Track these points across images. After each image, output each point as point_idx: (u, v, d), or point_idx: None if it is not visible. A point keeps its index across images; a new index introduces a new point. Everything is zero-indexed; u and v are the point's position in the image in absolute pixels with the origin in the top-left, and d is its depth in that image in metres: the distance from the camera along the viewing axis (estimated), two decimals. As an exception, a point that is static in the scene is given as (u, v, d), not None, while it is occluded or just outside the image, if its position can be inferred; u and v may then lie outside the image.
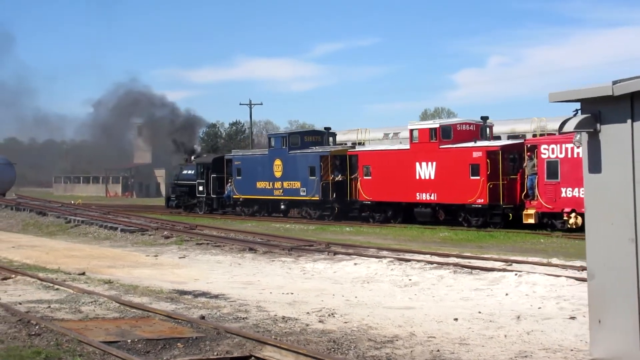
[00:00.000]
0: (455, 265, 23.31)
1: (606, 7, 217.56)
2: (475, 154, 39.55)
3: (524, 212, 37.71)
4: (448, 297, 19.29)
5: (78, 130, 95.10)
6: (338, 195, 46.91)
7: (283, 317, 16.46)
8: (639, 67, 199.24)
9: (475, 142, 40.16)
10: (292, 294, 20.18)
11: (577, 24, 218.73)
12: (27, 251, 32.45)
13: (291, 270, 25.35)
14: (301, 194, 49.04)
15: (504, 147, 39.64)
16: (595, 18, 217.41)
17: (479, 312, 16.77)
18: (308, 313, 17.08)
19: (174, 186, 62.11)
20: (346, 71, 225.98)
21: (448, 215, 41.36)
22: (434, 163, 41.16)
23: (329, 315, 16.78)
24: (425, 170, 41.58)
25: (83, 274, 24.41)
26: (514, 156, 39.66)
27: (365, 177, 44.79)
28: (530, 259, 24.96)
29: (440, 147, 40.88)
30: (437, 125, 41.66)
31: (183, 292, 20.51)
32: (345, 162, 46.87)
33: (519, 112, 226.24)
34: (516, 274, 20.88)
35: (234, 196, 53.89)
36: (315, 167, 47.86)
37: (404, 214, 43.37)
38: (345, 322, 15.94)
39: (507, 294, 19.08)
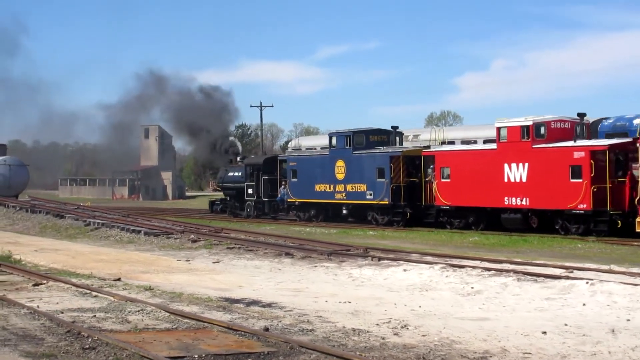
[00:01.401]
0: (515, 272, 21.98)
1: (611, 11, 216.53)
2: (577, 154, 35.48)
3: (637, 219, 33.21)
4: (520, 306, 18.02)
5: (86, 132, 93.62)
6: (410, 199, 43.17)
7: (353, 329, 15.21)
8: (634, 73, 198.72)
9: (575, 140, 36.08)
10: (349, 302, 18.91)
11: (581, 27, 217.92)
12: (51, 255, 31.20)
13: (338, 277, 24.07)
14: (367, 197, 44.98)
15: (611, 147, 35.22)
16: (600, 21, 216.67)
17: (565, 325, 15.51)
18: (377, 325, 15.82)
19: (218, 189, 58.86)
20: (350, 74, 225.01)
21: (542, 221, 37.38)
22: (526, 164, 37.17)
23: (402, 327, 15.53)
24: (516, 172, 37.60)
25: (119, 279, 23.16)
26: (619, 157, 35.56)
27: (443, 180, 40.93)
28: (588, 266, 23.67)
29: (534, 146, 36.85)
30: (530, 123, 37.17)
31: (233, 300, 19.26)
32: (418, 163, 43.20)
33: (521, 115, 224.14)
34: (587, 283, 19.61)
35: (289, 200, 50.10)
36: (385, 168, 43.66)
37: (488, 220, 39.46)
38: (424, 335, 14.69)
39: (584, 304, 17.83)
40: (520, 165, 37.42)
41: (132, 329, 15.63)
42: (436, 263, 24.63)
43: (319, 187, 48.00)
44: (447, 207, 40.83)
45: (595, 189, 34.71)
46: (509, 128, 37.98)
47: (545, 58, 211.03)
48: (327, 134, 61.53)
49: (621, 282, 19.37)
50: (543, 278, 21.00)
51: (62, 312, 17.35)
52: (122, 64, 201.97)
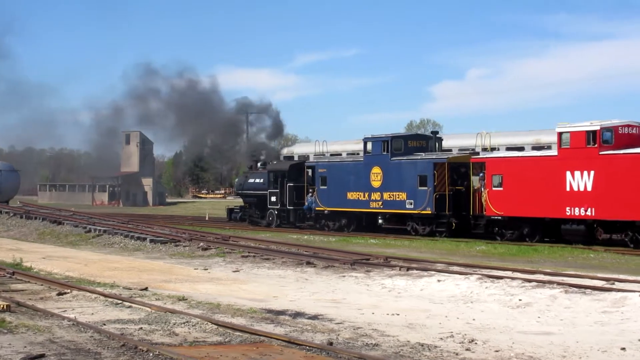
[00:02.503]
0: (559, 284, 21.40)
1: (587, 21, 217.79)
2: None
3: None
4: (579, 320, 17.44)
5: (70, 136, 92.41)
6: (455, 208, 41.06)
7: (420, 344, 14.59)
8: (620, 83, 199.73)
9: None
10: (397, 315, 18.29)
11: (557, 37, 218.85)
12: (61, 262, 30.38)
13: (370, 287, 23.44)
14: (407, 206, 42.42)
15: None
16: (577, 32, 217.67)
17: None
18: (442, 339, 15.22)
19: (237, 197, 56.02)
20: (328, 82, 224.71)
21: (609, 233, 35.01)
22: (592, 172, 34.79)
23: (469, 341, 14.92)
24: (580, 181, 35.16)
25: (146, 289, 22.44)
26: None
27: (494, 189, 38.45)
28: (621, 277, 23.12)
29: (601, 153, 34.56)
30: (597, 128, 34.71)
31: (276, 312, 18.59)
32: (464, 170, 41.17)
33: (501, 125, 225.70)
34: (641, 295, 19.02)
35: (317, 208, 47.36)
36: (428, 176, 41.31)
37: (545, 231, 37.21)
38: (497, 351, 14.09)
39: (646, 318, 17.24)
40: (585, 173, 35.14)
41: (183, 342, 14.96)
42: (469, 274, 24.01)
43: (352, 195, 45.57)
44: (499, 218, 38.41)
45: None
46: (573, 133, 35.60)
47: (521, 68, 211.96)
48: (320, 141, 60.74)
49: (678, 295, 18.83)
50: (591, 290, 20.41)
51: (105, 324, 16.63)
52: (103, 70, 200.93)
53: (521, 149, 47.92)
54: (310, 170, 48.91)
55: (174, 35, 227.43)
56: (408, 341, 14.91)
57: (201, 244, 35.81)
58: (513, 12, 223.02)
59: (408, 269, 26.00)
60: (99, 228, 43.18)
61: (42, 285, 23.54)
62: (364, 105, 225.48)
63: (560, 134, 36.05)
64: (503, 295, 20.76)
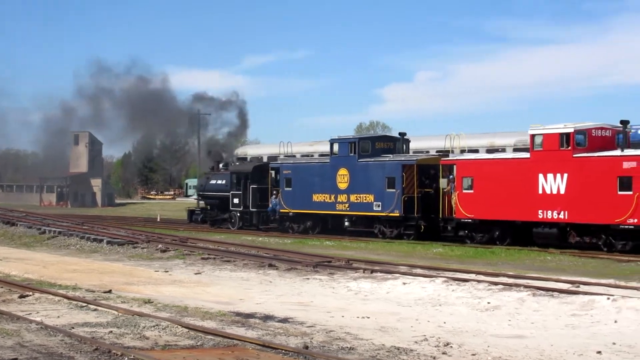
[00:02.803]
0: (526, 287, 21.47)
1: (533, 26, 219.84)
2: (627, 164, 32.18)
3: None
4: (549, 323, 17.50)
5: (13, 137, 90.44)
6: (424, 211, 40.03)
7: (397, 348, 14.53)
8: (562, 88, 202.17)
9: (622, 150, 32.99)
10: (368, 318, 18.25)
11: (506, 41, 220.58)
12: (18, 264, 29.97)
13: (336, 290, 23.36)
14: (375, 209, 41.53)
15: None
16: (524, 36, 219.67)
17: (614, 344, 15.02)
18: (416, 342, 15.19)
19: (198, 198, 55.09)
20: (276, 84, 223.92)
21: (582, 237, 34.15)
22: (565, 175, 33.90)
23: (444, 345, 14.90)
24: (553, 184, 34.23)
25: (109, 291, 22.19)
26: None
27: (465, 191, 37.50)
28: (587, 279, 23.22)
29: (575, 155, 33.68)
30: (570, 130, 33.89)
31: (245, 315, 18.47)
32: (434, 172, 40.16)
33: (448, 128, 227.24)
34: (608, 299, 19.14)
35: (282, 210, 46.31)
36: (396, 177, 40.42)
37: (515, 234, 36.25)
38: (474, 355, 14.10)
39: (615, 322, 17.38)
40: (558, 175, 34.30)
41: (154, 345, 14.78)
42: (434, 276, 24.03)
43: (318, 197, 44.60)
44: (469, 221, 37.54)
45: None
46: (546, 136, 34.70)
47: (468, 71, 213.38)
48: (279, 143, 60.05)
49: (646, 298, 18.96)
50: (558, 293, 20.51)
51: (73, 328, 16.38)
52: (50, 68, 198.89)
53: (475, 151, 47.74)
54: (274, 172, 48.17)
55: (121, 35, 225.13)
56: (383, 345, 14.83)
57: (159, 245, 35.54)
58: (461, 15, 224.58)
59: (372, 271, 25.96)
60: (53, 229, 42.66)
61: (1, 287, 23.16)
62: (313, 108, 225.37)
63: (532, 136, 35.32)
64: (471, 299, 20.77)
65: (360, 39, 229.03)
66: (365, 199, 42.19)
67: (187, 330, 16.10)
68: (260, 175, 48.84)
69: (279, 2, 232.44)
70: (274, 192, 47.15)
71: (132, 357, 13.54)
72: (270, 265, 28.52)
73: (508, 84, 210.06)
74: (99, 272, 27.53)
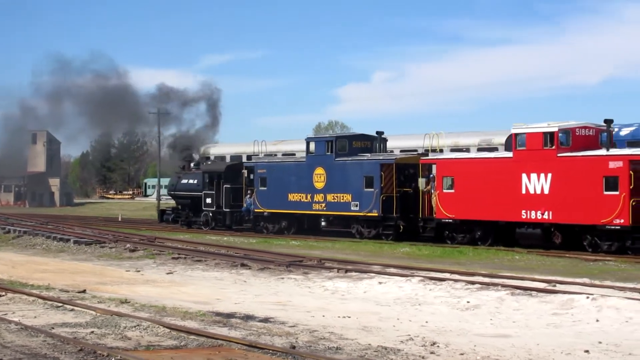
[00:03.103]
0: (503, 286, 21.51)
1: (488, 27, 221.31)
2: (613, 164, 31.52)
3: None
4: (532, 323, 17.51)
5: None
6: (403, 211, 39.54)
7: (384, 348, 14.45)
8: (518, 89, 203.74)
9: (608, 149, 32.37)
10: (349, 317, 18.17)
11: (460, 42, 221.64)
12: (-15, 264, 29.58)
13: (312, 290, 23.27)
14: (352, 208, 40.86)
15: None
16: (479, 36, 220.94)
17: (600, 343, 15.05)
18: (402, 342, 15.13)
19: (171, 198, 53.96)
20: (233, 83, 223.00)
21: (566, 237, 33.59)
22: (549, 174, 33.25)
23: (431, 344, 14.85)
24: (536, 183, 33.61)
25: (84, 291, 21.97)
26: None
27: (445, 191, 36.81)
28: (567, 279, 23.28)
29: (559, 155, 33.11)
30: (554, 129, 33.27)
31: (225, 315, 18.31)
32: (413, 172, 39.63)
33: (406, 128, 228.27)
34: (588, 297, 19.21)
35: (256, 210, 45.42)
36: (374, 177, 39.75)
37: (497, 234, 35.65)
38: (462, 354, 14.06)
39: (597, 320, 17.42)
40: (542, 175, 33.62)
41: (137, 346, 14.63)
42: (410, 276, 24.00)
43: (293, 197, 43.84)
44: (450, 221, 36.85)
45: (634, 203, 30.98)
46: (529, 135, 34.04)
47: (424, 71, 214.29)
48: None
49: (625, 298, 19.03)
50: (536, 292, 20.54)
51: (53, 328, 16.15)
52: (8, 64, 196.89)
53: (440, 151, 47.51)
54: (248, 171, 47.40)
55: (74, 32, 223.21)
56: (369, 344, 14.75)
57: (128, 245, 35.28)
58: (418, 16, 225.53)
59: (346, 271, 25.90)
60: (18, 229, 42.20)
61: (-29, 287, 22.83)
62: (270, 107, 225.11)
63: (515, 135, 34.72)
64: (449, 298, 20.76)
65: (317, 39, 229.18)
66: (343, 199, 41.55)
67: (168, 330, 15.94)
68: (234, 175, 48.08)
69: (237, 1, 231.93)
70: (249, 191, 46.44)
71: (118, 357, 13.38)
72: (243, 265, 28.38)
73: (464, 84, 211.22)
74: (70, 272, 27.25)
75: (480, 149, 47.09)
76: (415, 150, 44.93)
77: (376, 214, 39.84)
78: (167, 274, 27.32)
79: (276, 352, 13.85)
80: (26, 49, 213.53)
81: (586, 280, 23.08)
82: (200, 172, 50.50)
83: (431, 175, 38.38)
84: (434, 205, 37.57)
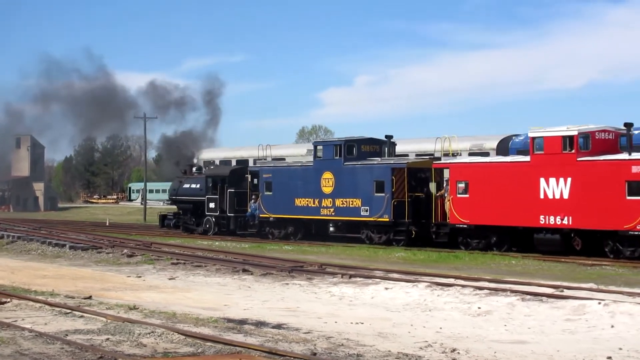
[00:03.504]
0: (512, 291, 21.47)
1: (471, 31, 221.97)
2: (637, 169, 30.93)
3: None
4: (547, 329, 17.47)
5: None
6: (415, 216, 38.92)
7: (405, 354, 14.39)
8: (500, 93, 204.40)
9: (629, 153, 31.75)
10: (362, 323, 18.09)
11: (442, 45, 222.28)
12: (-17, 270, 29.35)
13: (319, 295, 23.17)
14: (362, 214, 40.17)
15: None
16: (461, 41, 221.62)
17: (620, 349, 15.04)
18: (421, 348, 15.09)
19: (171, 203, 53.07)
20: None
21: (587, 243, 32.94)
22: (569, 179, 32.62)
23: (451, 351, 14.80)
24: (555, 188, 33.00)
25: (90, 297, 21.79)
26: None
27: (459, 195, 36.15)
28: (573, 284, 23.25)
29: (579, 159, 32.54)
30: (574, 133, 32.69)
31: (237, 321, 18.18)
32: (424, 176, 39.22)
33: (391, 132, 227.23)
34: (600, 303, 19.18)
35: (262, 215, 44.76)
36: (385, 181, 39.07)
37: (514, 240, 35.19)
38: (484, 361, 13.96)
39: (612, 326, 17.41)
40: (562, 180, 32.95)
41: (153, 353, 14.51)
42: (415, 281, 23.93)
43: (300, 202, 43.14)
44: (464, 226, 36.22)
45: None
46: (547, 138, 33.39)
47: (407, 75, 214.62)
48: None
49: (637, 304, 19.02)
50: (547, 298, 20.51)
51: (67, 335, 16.01)
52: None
53: (431, 154, 47.20)
54: (252, 176, 46.78)
55: (60, 36, 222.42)
56: (389, 351, 14.69)
57: (125, 250, 35.11)
58: (400, 19, 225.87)
59: (350, 276, 25.81)
60: (11, 234, 41.93)
61: (-27, 294, 22.64)
62: (253, 112, 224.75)
63: (533, 139, 33.94)
64: (459, 303, 20.70)
65: (299, 42, 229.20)
66: (352, 204, 40.84)
67: (184, 337, 15.82)
68: (239, 179, 47.48)
69: (218, 5, 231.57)
70: (253, 196, 45.78)
71: (142, 366, 13.25)
72: (245, 271, 28.24)
73: (446, 88, 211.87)
74: (71, 278, 27.07)
75: (471, 154, 46.93)
76: (431, 154, 44.70)
77: (387, 219, 39.20)
78: (169, 279, 27.17)
79: (297, 359, 13.77)
80: (6, 48, 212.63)
81: (592, 285, 23.04)
82: (203, 176, 49.76)
83: (445, 180, 37.92)
84: (447, 210, 36.97)
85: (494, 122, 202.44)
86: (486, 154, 45.50)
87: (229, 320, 18.21)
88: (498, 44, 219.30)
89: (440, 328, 17.49)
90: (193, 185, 49.98)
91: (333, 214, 41.76)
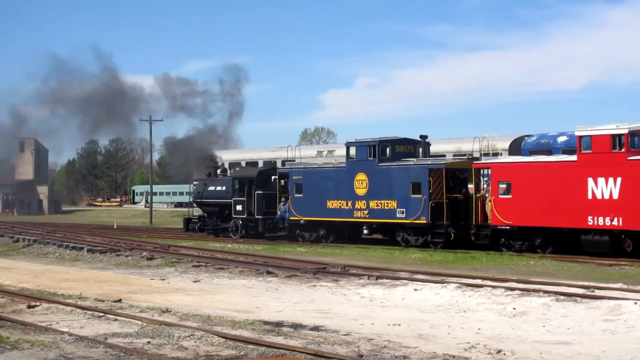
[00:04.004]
0: (545, 292, 21.38)
1: (470, 32, 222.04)
2: None
3: None
4: (586, 329, 17.35)
5: None
6: (453, 218, 37.96)
7: (452, 356, 14.30)
8: (496, 93, 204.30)
9: None
10: (399, 325, 18.00)
11: (442, 47, 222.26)
12: (6, 273, 29.36)
13: (348, 297, 23.07)
14: (398, 216, 39.18)
15: None
16: (460, 42, 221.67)
17: (670, 349, 14.93)
18: (465, 349, 15.01)
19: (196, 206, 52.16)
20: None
21: (638, 245, 31.93)
22: (619, 179, 31.66)
23: (496, 352, 14.71)
24: (604, 188, 32.05)
25: (119, 300, 21.72)
26: None
27: (502, 196, 35.27)
28: (602, 284, 23.15)
29: (630, 158, 31.51)
30: (624, 131, 31.72)
31: (274, 323, 18.11)
32: (462, 177, 38.45)
33: (393, 134, 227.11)
34: (636, 303, 19.09)
35: (292, 218, 43.89)
36: (422, 182, 38.15)
37: (559, 241, 34.33)
38: (532, 363, 13.89)
39: (654, 326, 17.31)
40: (611, 179, 32.00)
41: (196, 356, 14.46)
42: (444, 282, 23.85)
43: (332, 204, 42.11)
44: (507, 228, 35.31)
45: None
46: (595, 137, 32.53)
47: (408, 77, 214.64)
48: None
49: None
50: (580, 298, 20.41)
51: (107, 338, 15.94)
52: None
53: (442, 156, 46.82)
54: (281, 177, 45.93)
55: (61, 40, 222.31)
56: (434, 352, 14.62)
57: (144, 253, 34.99)
58: (401, 21, 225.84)
59: (377, 277, 25.72)
60: (27, 237, 41.85)
61: (3, 297, 22.59)
62: (254, 113, 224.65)
63: (580, 138, 33.08)
64: (493, 304, 20.59)
65: (299, 44, 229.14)
66: (387, 206, 39.86)
67: (224, 339, 15.75)
68: (267, 181, 46.62)
69: (220, 7, 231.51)
70: (282, 198, 44.91)
71: (194, 370, 13.18)
72: (269, 273, 28.15)
73: (446, 89, 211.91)
74: (95, 281, 26.97)
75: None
76: (466, 154, 44.28)
77: (424, 222, 38.25)
78: (194, 282, 27.08)
79: (346, 361, 13.71)
80: (8, 50, 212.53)
81: (622, 285, 22.98)
82: (230, 178, 48.90)
83: (486, 180, 37.12)
84: (488, 212, 36.13)
85: (494, 123, 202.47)
86: (496, 154, 44.99)
87: (265, 323, 18.14)
88: (497, 45, 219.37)
89: (479, 329, 17.40)
90: (219, 188, 49.12)
91: (367, 216, 40.78)
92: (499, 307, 20.25)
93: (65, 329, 16.92)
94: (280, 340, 15.79)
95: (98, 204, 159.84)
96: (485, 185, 37.18)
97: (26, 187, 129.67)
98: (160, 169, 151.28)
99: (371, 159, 40.50)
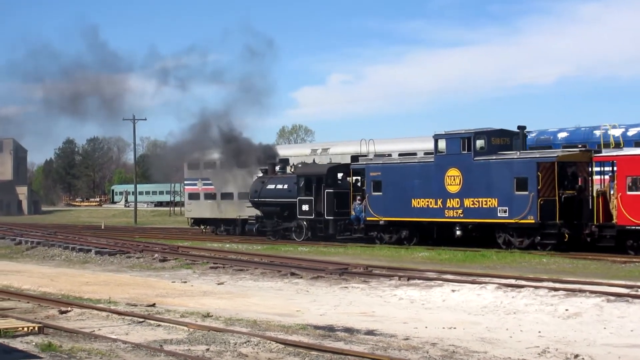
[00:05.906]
0: (591, 292, 20.91)
1: (443, 28, 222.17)
2: None
3: None
4: (649, 330, 16.94)
5: None
6: (566, 217, 34.16)
7: (530, 361, 13.80)
8: (473, 90, 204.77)
9: None
10: (454, 328, 17.51)
11: (416, 43, 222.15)
12: (19, 277, 28.69)
13: (386, 299, 22.53)
14: (500, 215, 35.53)
15: None
16: (434, 38, 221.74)
17: None
18: (539, 354, 14.57)
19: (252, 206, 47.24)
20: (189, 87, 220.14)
21: None
22: None
23: (574, 356, 14.28)
24: None
25: (154, 305, 21.14)
26: None
27: (630, 193, 31.27)
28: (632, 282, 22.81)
29: None
30: None
31: (326, 328, 17.62)
32: (575, 171, 35.04)
33: (361, 132, 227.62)
34: (693, 303, 18.70)
35: (369, 218, 40.11)
36: (529, 178, 34.37)
37: None
38: (615, 367, 13.42)
39: None
40: None
41: (260, 364, 13.87)
42: (487, 283, 23.22)
43: (418, 203, 38.40)
44: (638, 228, 31.33)
45: None
46: None
47: (381, 73, 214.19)
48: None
49: None
50: (632, 299, 19.98)
51: (162, 345, 15.37)
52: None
53: (414, 154, 44.72)
54: (354, 174, 42.38)
55: (41, 37, 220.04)
56: (509, 358, 14.16)
57: (156, 255, 34.32)
58: (374, 17, 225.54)
59: (409, 278, 25.21)
60: (29, 240, 41.07)
61: (28, 302, 22.04)
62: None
63: None
64: (542, 305, 20.09)
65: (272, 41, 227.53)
66: (486, 204, 36.24)
67: (282, 346, 15.27)
68: (336, 178, 43.53)
69: (191, 4, 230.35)
70: (357, 197, 41.48)
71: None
72: (293, 274, 27.58)
73: (419, 86, 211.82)
74: (116, 285, 26.36)
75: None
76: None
77: (532, 221, 34.55)
78: (218, 284, 26.50)
79: (425, 368, 13.20)
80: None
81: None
82: (294, 175, 44.96)
83: (610, 175, 33.78)
84: (613, 210, 32.49)
85: (465, 120, 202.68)
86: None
87: (316, 327, 17.65)
88: (471, 41, 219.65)
89: (539, 332, 16.92)
90: (279, 186, 45.24)
91: (461, 215, 37.15)
92: (549, 308, 19.77)
93: (112, 336, 16.32)
94: (340, 345, 15.31)
95: (77, 204, 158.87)
96: (608, 180, 33.90)
97: (5, 187, 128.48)
98: (139, 168, 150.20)
99: (465, 152, 36.93)
